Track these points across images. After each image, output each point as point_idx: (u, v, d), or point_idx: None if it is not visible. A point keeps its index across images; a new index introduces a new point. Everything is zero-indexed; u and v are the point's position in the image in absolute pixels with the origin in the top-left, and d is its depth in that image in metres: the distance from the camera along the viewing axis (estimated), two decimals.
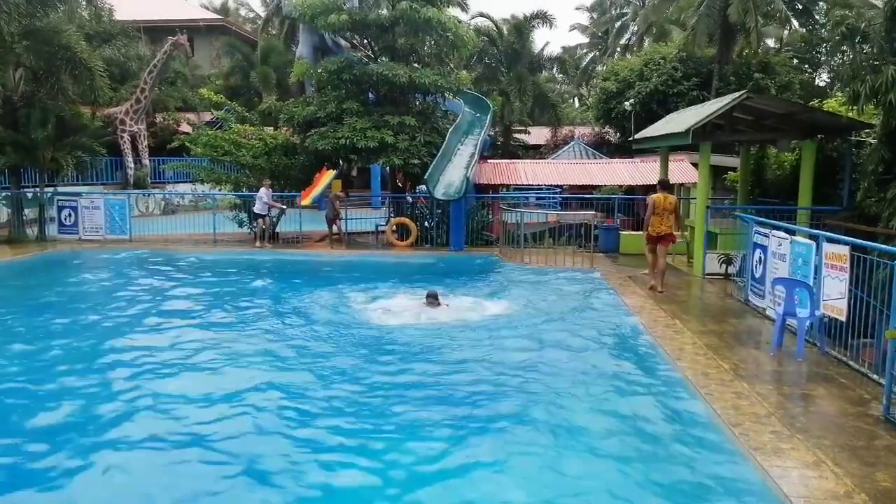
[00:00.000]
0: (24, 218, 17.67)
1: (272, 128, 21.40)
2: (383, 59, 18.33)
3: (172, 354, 7.94)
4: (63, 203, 17.62)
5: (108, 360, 7.74)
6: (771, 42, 31.72)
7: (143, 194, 24.03)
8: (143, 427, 5.79)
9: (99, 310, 10.23)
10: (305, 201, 16.97)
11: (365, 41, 19.64)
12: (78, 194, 18.11)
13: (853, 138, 11.93)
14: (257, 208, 16.66)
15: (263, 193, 16.52)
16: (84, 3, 18.33)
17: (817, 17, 31.20)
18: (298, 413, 6.13)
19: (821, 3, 30.30)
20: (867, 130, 11.62)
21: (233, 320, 9.69)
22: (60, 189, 18.76)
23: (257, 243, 16.63)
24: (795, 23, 26.89)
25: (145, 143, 25.50)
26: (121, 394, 6.60)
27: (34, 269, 14.11)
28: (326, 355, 7.95)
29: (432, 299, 10.08)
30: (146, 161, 25.55)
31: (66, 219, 17.58)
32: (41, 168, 17.55)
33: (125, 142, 24.52)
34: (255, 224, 17.03)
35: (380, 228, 18.19)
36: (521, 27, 32.16)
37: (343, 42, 23.75)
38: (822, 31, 32.02)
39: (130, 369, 7.32)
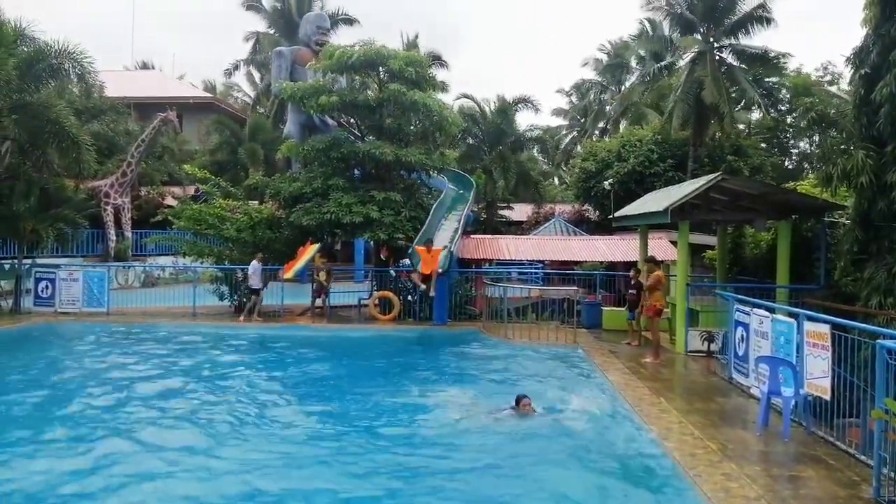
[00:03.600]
0: (0, 289, 17.36)
1: (258, 202, 21.55)
2: (370, 137, 18.76)
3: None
4: (41, 275, 17.36)
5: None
6: (741, 126, 33.07)
7: (124, 266, 23.84)
8: None
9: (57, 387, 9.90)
10: (288, 275, 16.89)
11: (352, 120, 20.15)
12: (57, 266, 17.88)
13: (827, 219, 12.28)
14: (254, 283, 16.56)
15: (256, 267, 16.49)
16: (75, 79, 18.65)
17: (781, 106, 32.78)
18: None
19: (784, 91, 31.89)
20: (840, 211, 11.98)
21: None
22: (39, 261, 18.54)
23: (241, 318, 16.42)
24: (763, 110, 28.15)
25: (129, 215, 25.51)
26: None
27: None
28: None
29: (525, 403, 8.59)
30: (129, 234, 25.48)
31: (42, 291, 17.27)
32: (21, 240, 17.39)
33: (108, 214, 24.52)
34: (245, 299, 16.97)
35: (362, 302, 18.09)
36: (507, 110, 33.26)
37: (330, 121, 24.33)
38: (788, 117, 33.58)
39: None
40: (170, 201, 25.72)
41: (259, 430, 8.02)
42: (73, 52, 16.71)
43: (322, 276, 16.90)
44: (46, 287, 17.28)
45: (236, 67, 41.44)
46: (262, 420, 8.45)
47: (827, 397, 6.96)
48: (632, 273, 14.80)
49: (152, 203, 27.30)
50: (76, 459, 6.82)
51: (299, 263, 16.99)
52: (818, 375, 7.04)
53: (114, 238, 24.75)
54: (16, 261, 17.65)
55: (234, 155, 31.32)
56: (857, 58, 10.27)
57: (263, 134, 31.60)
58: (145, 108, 30.96)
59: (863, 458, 6.50)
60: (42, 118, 16.26)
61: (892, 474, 5.57)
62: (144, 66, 47.34)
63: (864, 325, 6.96)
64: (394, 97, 17.30)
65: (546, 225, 28.25)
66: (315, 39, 27.94)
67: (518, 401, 8.58)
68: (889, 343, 5.57)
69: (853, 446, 6.84)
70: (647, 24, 36.11)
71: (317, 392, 10.14)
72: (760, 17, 24.80)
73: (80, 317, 16.57)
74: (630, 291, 14.34)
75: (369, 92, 18.74)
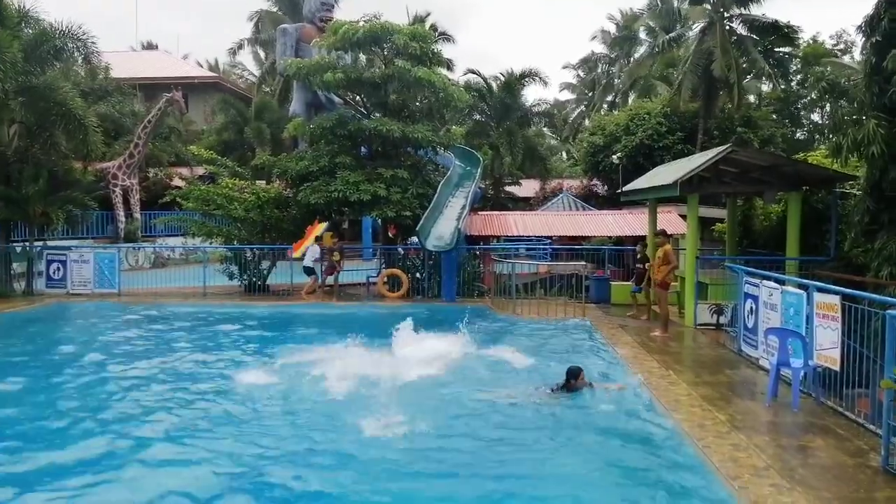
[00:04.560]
0: (12, 272, 17.54)
1: (265, 182, 21.55)
2: (376, 114, 18.69)
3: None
4: (52, 257, 17.50)
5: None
6: (752, 98, 32.67)
7: (134, 247, 23.97)
8: None
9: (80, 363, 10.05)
10: (297, 254, 16.99)
11: (358, 98, 20.06)
12: (67, 248, 18.02)
13: (838, 190, 12.16)
14: (308, 262, 16.87)
15: (315, 250, 16.84)
16: (80, 61, 18.62)
17: (792, 77, 32.31)
18: None
19: (796, 61, 31.41)
20: (851, 182, 11.86)
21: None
22: (50, 243, 18.68)
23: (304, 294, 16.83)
24: (774, 80, 27.80)
25: (137, 197, 25.59)
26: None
27: (13, 324, 13.90)
28: None
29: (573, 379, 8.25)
30: (137, 215, 25.60)
31: (54, 273, 17.43)
32: (31, 222, 17.52)
33: (117, 196, 24.62)
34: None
35: (371, 280, 18.16)
36: (513, 84, 32.98)
37: (336, 98, 24.22)
38: (799, 88, 33.14)
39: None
40: (177, 182, 25.76)
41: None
42: (78, 34, 16.67)
43: (336, 255, 16.99)
44: (58, 269, 17.43)
45: (240, 46, 41.22)
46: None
47: (836, 368, 6.96)
48: (637, 247, 14.83)
49: (160, 184, 27.38)
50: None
51: (308, 242, 17.06)
52: (828, 346, 7.04)
53: (123, 219, 24.88)
54: (27, 243, 17.79)
55: (241, 134, 31.29)
56: (868, 26, 10.08)
57: (269, 113, 31.52)
58: (151, 88, 30.95)
59: (872, 427, 6.52)
60: (48, 100, 16.26)
61: None
62: (149, 47, 47.12)
63: (874, 295, 6.93)
64: (399, 73, 17.18)
65: (554, 200, 28.15)
66: (319, 16, 27.70)
67: (577, 374, 8.24)
68: None
69: (862, 416, 6.85)
70: None
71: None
72: None
73: (92, 297, 16.74)
74: (637, 265, 14.41)
75: (375, 69, 18.60)
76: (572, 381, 8.20)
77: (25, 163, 16.82)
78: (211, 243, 18.93)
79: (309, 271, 16.92)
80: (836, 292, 7.16)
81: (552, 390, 8.25)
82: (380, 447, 6.42)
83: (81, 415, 7.65)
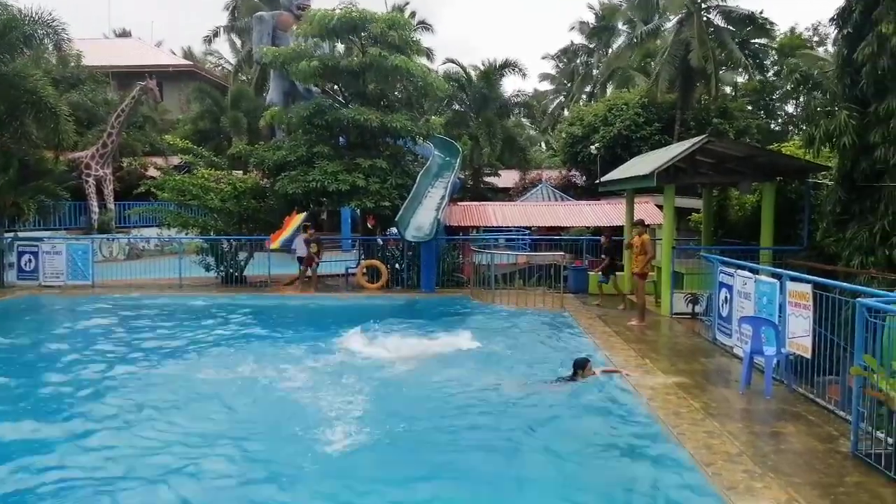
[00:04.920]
0: None
1: (241, 172, 21.30)
2: (354, 104, 18.54)
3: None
4: (23, 248, 17.16)
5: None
6: (728, 89, 32.96)
7: (108, 239, 23.59)
8: None
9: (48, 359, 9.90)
10: (274, 244, 16.86)
11: (335, 87, 19.86)
12: (39, 239, 17.68)
13: (811, 180, 12.35)
14: (301, 252, 17.10)
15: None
16: (51, 48, 18.22)
17: (767, 66, 32.64)
18: None
19: (772, 53, 31.74)
20: (824, 172, 12.05)
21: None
22: (21, 234, 18.30)
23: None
24: (749, 72, 28.09)
25: (111, 187, 25.16)
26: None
27: None
28: None
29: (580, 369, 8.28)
30: (111, 206, 25.18)
31: (25, 264, 17.09)
32: (1, 213, 17.15)
33: (90, 186, 24.18)
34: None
35: (350, 271, 18.09)
36: (490, 74, 32.90)
37: (314, 87, 23.99)
38: (775, 79, 33.50)
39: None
40: (152, 172, 25.37)
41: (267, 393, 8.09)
42: (48, 20, 16.29)
43: (313, 247, 16.87)
44: (30, 261, 17.09)
45: (216, 34, 40.52)
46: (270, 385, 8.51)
47: (808, 356, 7.09)
48: (602, 239, 15.16)
49: (135, 174, 26.88)
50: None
51: (286, 233, 16.94)
52: (800, 335, 7.16)
53: (97, 210, 24.46)
54: None
55: (217, 124, 30.87)
56: (840, 18, 10.23)
57: (246, 102, 31.12)
58: (124, 77, 30.35)
59: (842, 413, 6.66)
60: (18, 88, 15.92)
61: (870, 429, 5.70)
62: (122, 34, 46.22)
63: (844, 283, 7.05)
64: (376, 62, 17.05)
65: (533, 191, 28.18)
66: (297, 4, 27.37)
67: (583, 365, 8.24)
68: (868, 301, 5.65)
69: (833, 403, 6.99)
70: None
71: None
72: None
73: (65, 290, 16.46)
74: (602, 256, 14.82)
75: (353, 57, 18.43)
76: (579, 371, 8.21)
77: None
78: (186, 234, 18.69)
79: (302, 261, 17.03)
80: (808, 281, 7.28)
81: (557, 381, 8.27)
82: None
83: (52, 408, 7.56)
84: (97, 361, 9.73)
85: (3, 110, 16.53)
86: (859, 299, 5.75)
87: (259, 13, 29.62)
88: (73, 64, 24.57)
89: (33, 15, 16.10)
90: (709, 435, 6.20)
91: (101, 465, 5.95)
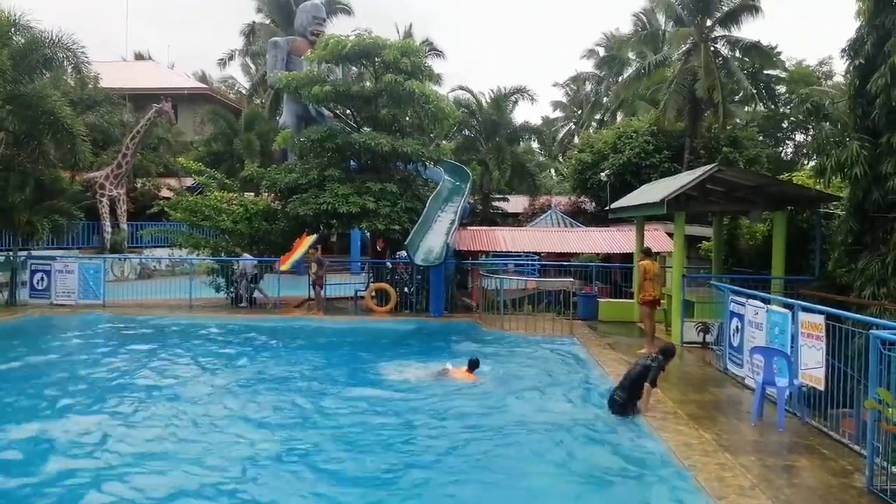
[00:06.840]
0: None
1: (253, 194, 21.48)
2: (366, 128, 18.73)
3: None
4: (36, 267, 17.31)
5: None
6: (738, 120, 33.10)
7: (119, 258, 23.76)
8: None
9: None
10: (284, 266, 16.91)
11: (348, 111, 20.09)
12: (52, 258, 17.82)
13: (822, 210, 12.31)
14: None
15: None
16: (70, 70, 18.53)
17: (778, 98, 32.80)
18: None
19: (782, 84, 31.93)
20: (835, 202, 12.02)
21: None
22: (35, 253, 18.47)
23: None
24: (756, 101, 28.25)
25: (124, 207, 25.42)
26: None
27: None
28: None
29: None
30: (124, 225, 25.41)
31: (38, 283, 17.22)
32: (16, 231, 17.33)
33: (104, 206, 24.44)
34: (243, 291, 17.54)
35: (359, 294, 18.11)
36: (500, 101, 33.19)
37: (326, 112, 24.28)
38: (784, 108, 33.64)
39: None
40: (165, 193, 25.65)
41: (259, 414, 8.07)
42: (68, 43, 16.59)
43: (312, 267, 16.91)
44: (42, 279, 17.22)
45: (231, 57, 41.12)
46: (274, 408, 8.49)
47: (821, 388, 7.01)
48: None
49: (148, 195, 27.20)
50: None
51: (295, 255, 17.00)
52: (812, 366, 7.09)
53: (109, 230, 24.68)
54: (11, 253, 17.59)
55: (230, 146, 31.22)
56: (852, 49, 10.30)
57: (259, 125, 31.51)
58: (140, 98, 30.83)
59: (856, 447, 6.56)
60: (37, 109, 16.16)
61: (885, 464, 5.62)
62: (139, 57, 47.03)
63: (857, 315, 7.00)
64: (389, 88, 17.26)
65: (542, 216, 28.22)
66: (311, 30, 27.80)
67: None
68: (882, 333, 5.61)
69: (847, 436, 6.89)
70: (643, 17, 36.09)
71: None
72: (749, 6, 24.84)
73: (76, 309, 16.54)
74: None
75: (366, 83, 18.67)
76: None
77: (12, 171, 16.65)
78: (198, 255, 18.81)
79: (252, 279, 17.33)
80: (820, 312, 7.22)
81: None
82: None
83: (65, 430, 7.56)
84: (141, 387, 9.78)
85: (22, 130, 16.79)
86: (873, 331, 5.70)
87: (274, 38, 30.07)
88: (90, 86, 24.98)
89: (54, 37, 16.42)
90: (721, 467, 6.11)
91: None
